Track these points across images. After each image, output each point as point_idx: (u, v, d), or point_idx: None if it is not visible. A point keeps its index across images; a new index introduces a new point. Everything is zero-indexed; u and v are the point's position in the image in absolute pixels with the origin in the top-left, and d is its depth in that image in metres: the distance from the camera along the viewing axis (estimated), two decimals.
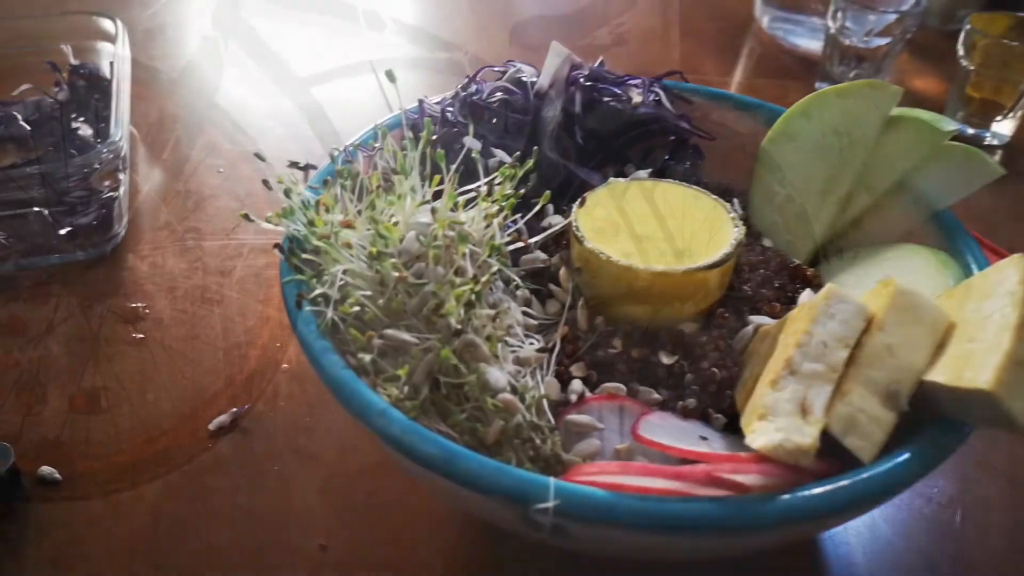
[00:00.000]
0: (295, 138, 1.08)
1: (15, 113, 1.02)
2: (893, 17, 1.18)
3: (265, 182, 0.59)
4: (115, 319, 0.82)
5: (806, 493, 0.44)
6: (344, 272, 0.56)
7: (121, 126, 0.86)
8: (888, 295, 0.52)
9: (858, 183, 0.70)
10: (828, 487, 0.45)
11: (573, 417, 0.56)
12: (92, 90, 1.04)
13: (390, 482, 0.67)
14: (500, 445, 0.52)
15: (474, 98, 0.74)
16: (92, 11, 1.05)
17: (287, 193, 0.59)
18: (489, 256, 0.58)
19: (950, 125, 0.66)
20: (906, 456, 0.47)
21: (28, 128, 1.02)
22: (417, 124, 0.72)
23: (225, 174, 1.01)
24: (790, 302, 0.65)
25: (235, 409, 0.73)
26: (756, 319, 0.62)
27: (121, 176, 0.87)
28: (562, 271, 0.64)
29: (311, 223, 0.58)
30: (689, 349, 0.60)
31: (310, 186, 0.61)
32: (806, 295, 0.64)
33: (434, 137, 0.71)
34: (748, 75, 1.34)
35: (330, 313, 0.54)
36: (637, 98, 0.75)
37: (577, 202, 0.66)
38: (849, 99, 0.70)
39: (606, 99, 0.75)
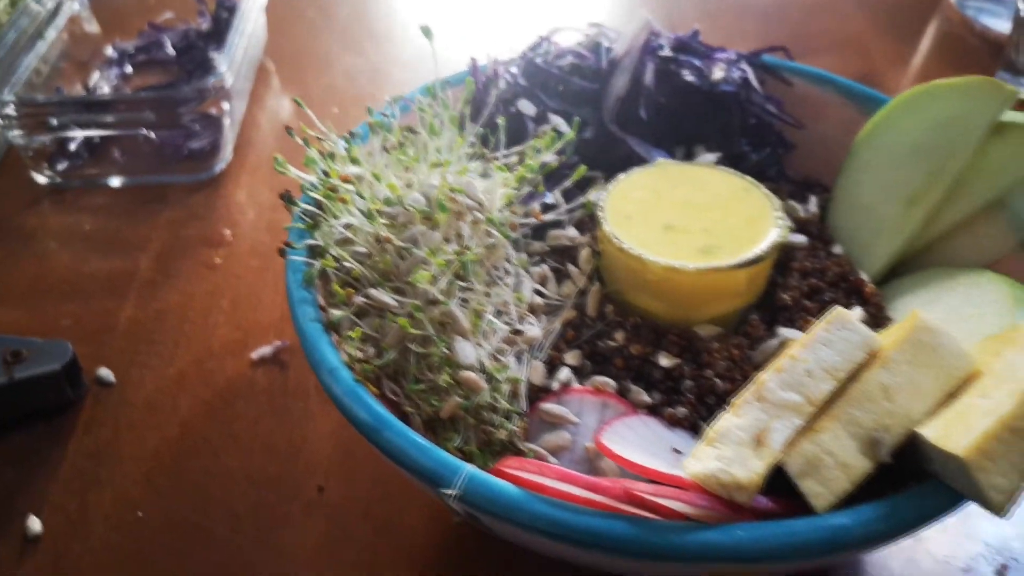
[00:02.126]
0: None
1: (164, 39, 1.10)
2: None
3: (288, 129, 0.60)
4: (201, 242, 0.87)
5: (721, 532, 0.40)
6: (347, 227, 0.56)
7: (232, 59, 0.90)
8: (906, 328, 0.46)
9: (951, 194, 0.61)
10: (751, 530, 0.40)
11: (547, 406, 0.53)
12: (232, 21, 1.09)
13: None
14: (454, 423, 0.51)
15: (539, 60, 0.70)
16: None
17: (307, 142, 0.59)
18: (489, 226, 0.55)
19: None
20: (864, 515, 0.41)
21: (173, 54, 1.09)
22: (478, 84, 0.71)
23: (337, 115, 1.04)
24: None
25: (279, 343, 0.76)
26: (786, 332, 0.57)
27: (226, 106, 0.92)
28: (584, 252, 0.61)
29: (326, 174, 0.58)
30: (697, 354, 0.56)
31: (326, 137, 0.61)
32: (854, 314, 0.57)
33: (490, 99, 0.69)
34: (926, 59, 1.19)
35: (317, 265, 0.54)
36: (718, 74, 0.69)
37: (613, 181, 0.62)
38: (957, 96, 0.61)
39: (684, 72, 0.70)
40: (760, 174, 0.70)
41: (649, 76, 0.69)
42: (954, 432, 0.40)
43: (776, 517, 0.42)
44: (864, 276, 0.61)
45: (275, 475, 0.67)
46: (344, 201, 0.55)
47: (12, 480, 0.66)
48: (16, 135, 0.89)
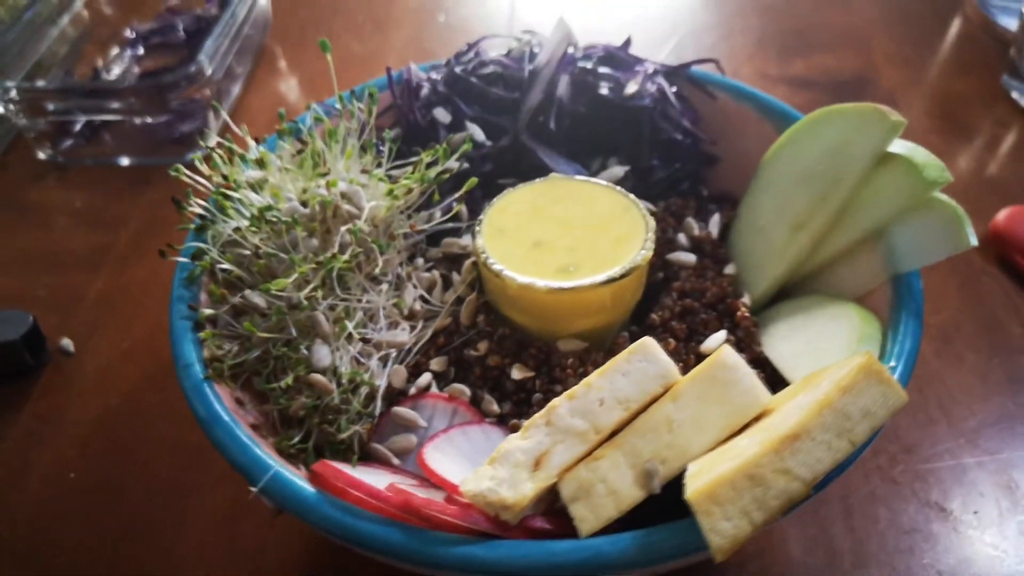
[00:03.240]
0: None
1: (178, 22, 1.17)
2: None
3: (202, 132, 0.65)
4: (176, 222, 0.93)
5: (485, 547, 0.43)
6: (236, 231, 0.60)
7: (218, 46, 0.95)
8: (706, 363, 0.47)
9: (836, 222, 0.61)
10: (513, 548, 0.43)
11: (398, 410, 0.56)
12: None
13: None
14: (302, 422, 0.55)
15: (458, 69, 0.73)
16: None
17: (205, 143, 0.63)
18: (355, 231, 0.58)
19: (939, 174, 0.55)
20: (621, 543, 0.43)
21: (184, 37, 1.16)
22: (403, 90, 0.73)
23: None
24: (700, 341, 0.59)
25: None
26: None
27: (207, 92, 0.97)
28: (467, 262, 0.64)
29: (225, 177, 0.62)
30: (552, 368, 0.58)
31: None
32: (715, 339, 0.58)
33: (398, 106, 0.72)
34: (930, 60, 1.14)
35: (198, 268, 0.59)
36: (632, 87, 0.70)
37: (500, 194, 0.64)
38: (846, 123, 0.61)
39: (600, 84, 0.71)
40: (671, 188, 0.71)
41: (563, 88, 0.70)
42: (709, 471, 0.42)
43: (549, 536, 0.45)
44: (745, 299, 0.62)
45: (196, 445, 0.72)
46: (224, 207, 0.59)
47: None
48: (20, 118, 0.96)
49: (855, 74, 1.11)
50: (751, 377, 0.47)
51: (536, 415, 0.47)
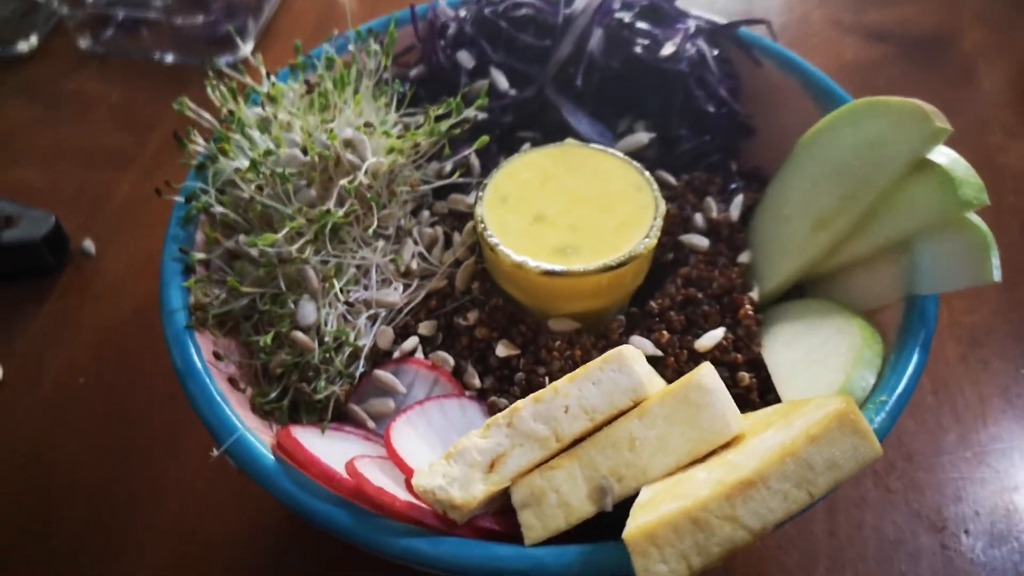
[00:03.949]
0: None
1: None
2: None
3: (205, 61, 0.63)
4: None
5: (429, 542, 0.43)
6: (237, 171, 0.59)
7: None
8: (679, 383, 0.45)
9: (861, 225, 0.57)
10: (457, 546, 0.43)
11: (379, 373, 0.56)
12: None
13: None
14: (281, 378, 0.55)
15: (488, 10, 0.69)
16: None
17: (213, 78, 0.62)
18: (349, 190, 0.57)
19: (975, 194, 0.51)
20: (565, 556, 0.43)
21: None
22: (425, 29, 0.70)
23: (368, 10, 1.04)
24: (697, 335, 0.57)
25: None
26: (637, 340, 0.56)
27: None
28: (469, 224, 0.62)
29: (231, 113, 0.61)
30: (538, 348, 0.57)
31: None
32: (711, 336, 0.56)
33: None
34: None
35: (193, 208, 0.58)
36: (668, 48, 0.65)
37: (510, 158, 0.61)
38: (887, 119, 0.56)
39: (635, 42, 0.66)
40: (698, 160, 0.67)
41: (595, 42, 0.66)
42: (656, 506, 0.41)
43: (497, 538, 0.45)
44: (753, 294, 0.59)
45: None
46: (224, 151, 0.58)
47: None
48: (61, 6, 0.95)
49: (935, 31, 1.02)
50: (725, 403, 0.45)
51: (498, 414, 0.46)
